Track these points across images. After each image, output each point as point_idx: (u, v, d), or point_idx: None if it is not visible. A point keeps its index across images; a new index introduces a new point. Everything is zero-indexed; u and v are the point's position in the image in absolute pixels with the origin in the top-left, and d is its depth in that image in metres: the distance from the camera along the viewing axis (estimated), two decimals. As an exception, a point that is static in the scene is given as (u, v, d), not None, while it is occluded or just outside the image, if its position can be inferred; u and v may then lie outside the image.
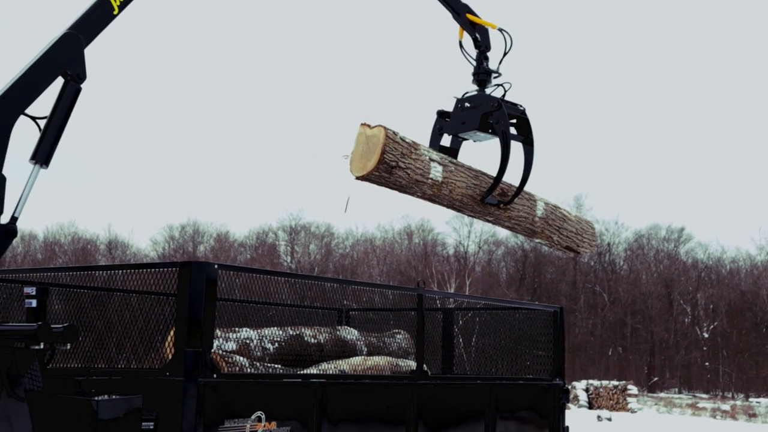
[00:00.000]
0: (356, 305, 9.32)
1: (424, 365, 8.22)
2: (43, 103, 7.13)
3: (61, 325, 6.22)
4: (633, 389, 39.93)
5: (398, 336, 9.05)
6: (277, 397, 6.78)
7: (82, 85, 7.08)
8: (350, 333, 8.62)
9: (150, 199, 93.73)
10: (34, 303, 7.13)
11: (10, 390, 6.11)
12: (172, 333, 6.48)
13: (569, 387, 25.03)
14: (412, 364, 8.28)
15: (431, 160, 8.00)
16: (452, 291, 60.69)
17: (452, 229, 74.51)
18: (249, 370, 6.98)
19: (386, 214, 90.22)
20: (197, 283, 6.24)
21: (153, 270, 6.72)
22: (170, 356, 6.32)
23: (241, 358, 7.03)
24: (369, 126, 7.66)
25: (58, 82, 7.02)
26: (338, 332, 8.48)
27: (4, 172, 6.65)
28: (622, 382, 40.77)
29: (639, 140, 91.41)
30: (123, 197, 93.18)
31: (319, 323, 8.69)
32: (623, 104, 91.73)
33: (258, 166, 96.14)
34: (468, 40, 9.20)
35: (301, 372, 7.37)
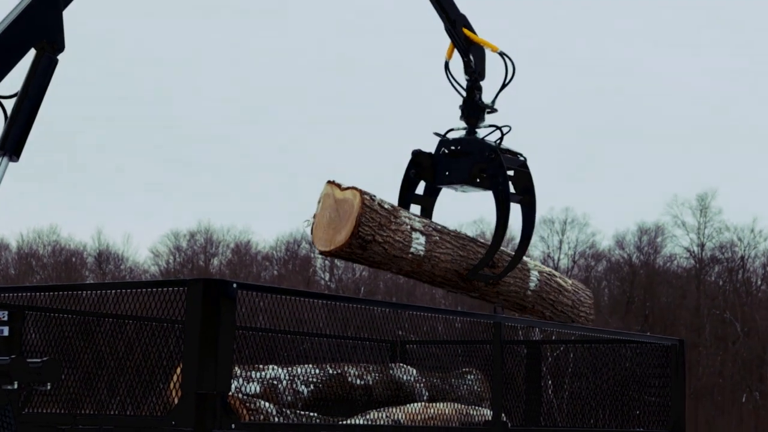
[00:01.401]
0: (414, 337, 9.31)
1: (503, 414, 8.19)
2: (11, 80, 7.21)
3: (39, 360, 6.27)
4: (774, 447, 39.50)
5: (469, 376, 9.04)
6: (313, 455, 6.80)
7: (59, 57, 7.17)
8: (407, 372, 8.62)
9: (151, 200, 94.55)
10: (5, 331, 7.21)
11: (-26, 442, 6.18)
12: (178, 371, 6.52)
13: (691, 444, 24.81)
14: (488, 412, 8.26)
15: (413, 229, 8.15)
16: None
17: (538, 237, 74.29)
18: (277, 419, 7.00)
19: (455, 217, 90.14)
20: (211, 306, 6.28)
21: (154, 290, 6.76)
22: (176, 400, 6.36)
23: (267, 404, 7.05)
24: (339, 187, 7.74)
25: (30, 54, 7.13)
26: (391, 371, 8.48)
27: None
28: (760, 438, 40.35)
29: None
30: (116, 197, 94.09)
31: (367, 359, 8.70)
32: (759, 76, 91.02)
33: (288, 159, 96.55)
34: (458, 63, 9.22)
35: (344, 423, 7.38)
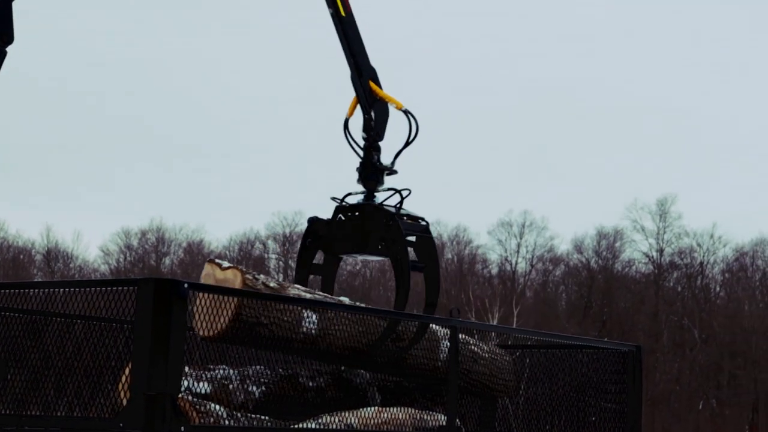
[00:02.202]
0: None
1: (457, 420, 8.21)
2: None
3: (-17, 359, 6.24)
4: (731, 455, 39.79)
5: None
6: (264, 458, 6.79)
7: (8, 49, 7.13)
8: (360, 376, 8.62)
9: (102, 196, 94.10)
10: (-51, 330, 7.16)
11: None
12: (127, 371, 6.49)
13: (647, 451, 24.96)
14: (441, 417, 8.27)
15: (304, 307, 7.75)
16: (495, 323, 60.67)
17: (496, 241, 74.55)
18: (227, 421, 6.99)
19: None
20: (162, 306, 6.26)
21: (104, 289, 6.74)
22: (125, 401, 6.34)
23: (217, 407, 7.04)
24: (219, 266, 7.37)
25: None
26: (344, 374, 8.48)
27: None
28: (717, 446, 40.64)
29: (735, 134, 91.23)
30: (66, 193, 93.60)
31: (319, 362, 8.70)
32: (725, 84, 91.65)
33: (242, 155, 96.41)
34: (358, 121, 9.07)
35: (296, 426, 7.38)
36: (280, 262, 77.35)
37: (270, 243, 77.69)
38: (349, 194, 9.06)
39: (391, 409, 8.12)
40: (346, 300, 8.21)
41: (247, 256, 77.16)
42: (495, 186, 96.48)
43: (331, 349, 7.95)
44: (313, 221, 9.00)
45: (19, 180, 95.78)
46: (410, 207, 8.91)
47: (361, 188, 9.06)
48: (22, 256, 76.06)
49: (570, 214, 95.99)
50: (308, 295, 7.91)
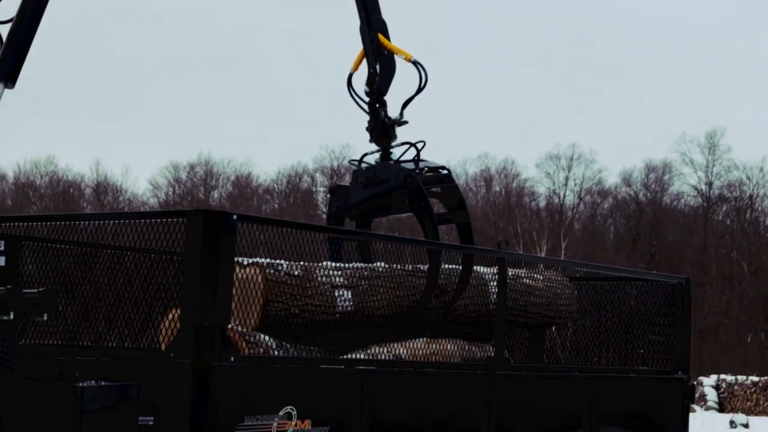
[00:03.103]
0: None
1: (506, 351, 8.22)
2: (8, 5, 7.16)
3: (35, 290, 6.30)
4: (779, 388, 39.70)
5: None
6: (313, 389, 6.84)
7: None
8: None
9: (150, 130, 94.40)
10: (1, 261, 7.24)
11: (-30, 372, 6.21)
12: (175, 308, 6.54)
13: (695, 383, 24.96)
14: (490, 349, 8.29)
15: (335, 286, 7.59)
16: (543, 255, 60.58)
17: (544, 173, 74.23)
18: (277, 352, 7.03)
19: (458, 152, 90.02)
20: (210, 238, 6.29)
21: (153, 221, 6.77)
22: (174, 333, 6.39)
23: (267, 337, 7.08)
24: (240, 265, 6.93)
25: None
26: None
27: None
28: (764, 378, 40.56)
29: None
30: (115, 127, 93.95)
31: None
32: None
33: (290, 87, 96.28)
34: (362, 76, 8.95)
35: (345, 357, 7.41)
36: (328, 195, 77.49)
37: (318, 176, 77.70)
38: (366, 155, 9.00)
39: (440, 340, 8.13)
40: (381, 265, 8.02)
41: (294, 189, 77.27)
42: (543, 119, 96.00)
43: (372, 320, 7.81)
44: (335, 190, 9.01)
45: (68, 114, 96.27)
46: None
47: (375, 147, 8.97)
48: (72, 190, 76.56)
49: (618, 147, 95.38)
50: (338, 273, 7.71)
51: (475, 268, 8.43)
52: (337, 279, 7.67)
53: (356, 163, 9.01)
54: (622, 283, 9.96)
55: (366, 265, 8.12)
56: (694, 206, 73.74)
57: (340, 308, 7.58)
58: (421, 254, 8.24)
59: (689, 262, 68.57)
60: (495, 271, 8.35)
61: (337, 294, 7.61)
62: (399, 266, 8.05)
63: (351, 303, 7.68)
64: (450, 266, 8.40)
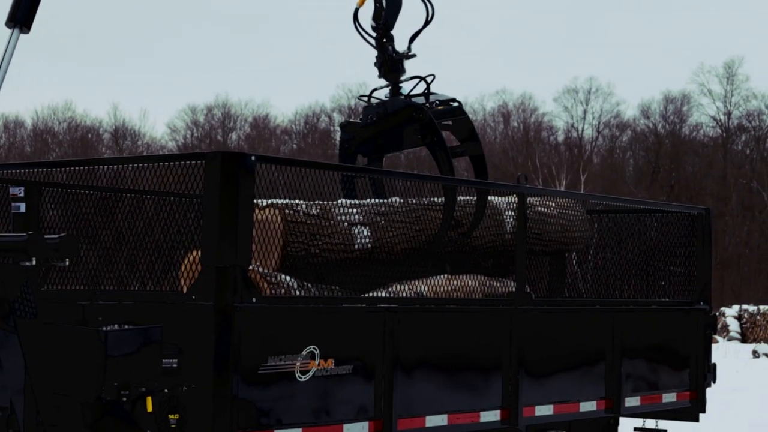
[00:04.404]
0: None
1: (527, 286, 8.23)
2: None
3: (56, 236, 6.32)
4: (801, 317, 39.70)
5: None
6: (335, 328, 6.86)
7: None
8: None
9: (166, 73, 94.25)
10: (22, 207, 7.25)
11: (-5, 318, 6.24)
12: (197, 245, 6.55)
13: (716, 314, 24.95)
14: (511, 284, 8.30)
15: (352, 224, 7.56)
16: (562, 189, 60.49)
17: (562, 108, 73.88)
18: (298, 292, 7.05)
19: (474, 88, 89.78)
20: (229, 180, 6.28)
21: (172, 164, 6.77)
22: (196, 275, 6.40)
23: (288, 277, 7.09)
24: (257, 206, 6.87)
25: None
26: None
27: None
28: (787, 308, 40.53)
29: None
30: (132, 71, 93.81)
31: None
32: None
33: (306, 27, 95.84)
34: (368, 12, 8.81)
35: (366, 295, 7.43)
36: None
37: (335, 116, 77.50)
38: (375, 90, 8.94)
39: (461, 276, 8.14)
40: (397, 200, 8.03)
41: (312, 129, 77.16)
42: (560, 53, 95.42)
43: (391, 257, 7.82)
44: (346, 126, 8.94)
45: (85, 59, 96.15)
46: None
47: (384, 82, 8.90)
48: (90, 135, 76.56)
49: (636, 80, 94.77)
50: (355, 210, 7.71)
51: (489, 198, 8.46)
52: (355, 216, 7.68)
53: (366, 99, 8.96)
54: (643, 215, 9.95)
55: (382, 201, 8.12)
56: (714, 137, 73.35)
57: (359, 245, 7.58)
58: (437, 188, 8.24)
59: (709, 193, 68.34)
60: (509, 200, 8.37)
61: (355, 231, 7.61)
62: (414, 200, 8.04)
63: (369, 240, 7.69)
64: (464, 198, 8.43)
